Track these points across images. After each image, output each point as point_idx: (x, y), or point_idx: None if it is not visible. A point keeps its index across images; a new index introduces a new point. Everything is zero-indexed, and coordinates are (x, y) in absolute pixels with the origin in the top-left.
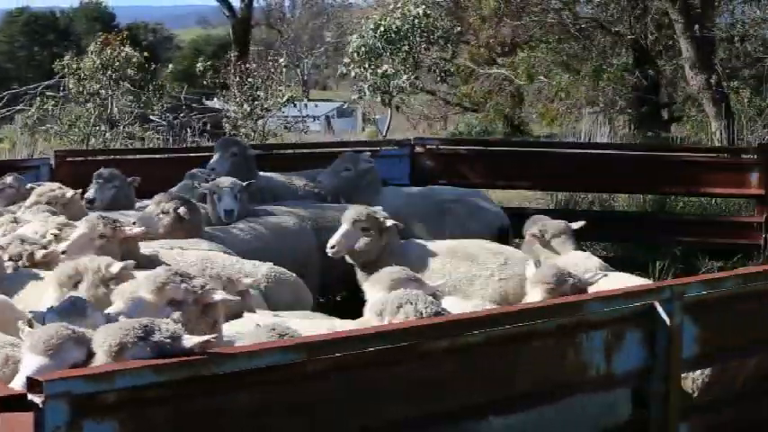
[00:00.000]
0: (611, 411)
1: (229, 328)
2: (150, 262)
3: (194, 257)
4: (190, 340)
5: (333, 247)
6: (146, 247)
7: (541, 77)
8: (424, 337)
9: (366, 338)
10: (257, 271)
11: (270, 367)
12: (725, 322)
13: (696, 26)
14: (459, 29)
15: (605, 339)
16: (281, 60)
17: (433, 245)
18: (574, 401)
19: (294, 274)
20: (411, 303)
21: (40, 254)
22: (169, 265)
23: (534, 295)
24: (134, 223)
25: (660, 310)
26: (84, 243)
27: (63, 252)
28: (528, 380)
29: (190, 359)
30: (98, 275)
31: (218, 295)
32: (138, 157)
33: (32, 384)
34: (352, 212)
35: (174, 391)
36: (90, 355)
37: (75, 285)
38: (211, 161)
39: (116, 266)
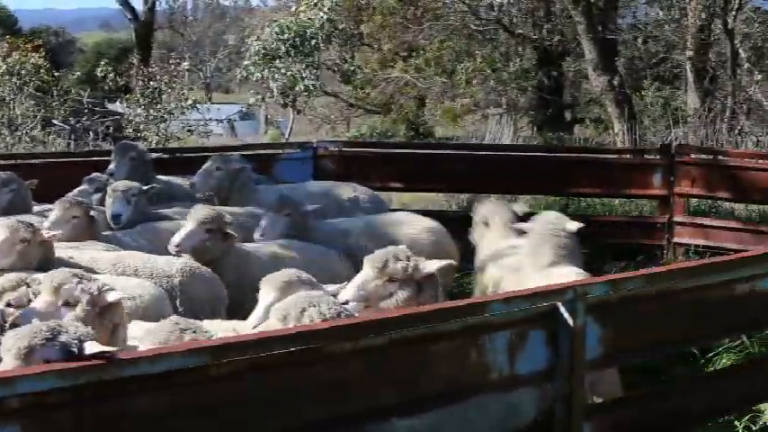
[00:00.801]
0: (516, 412)
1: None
2: (66, 265)
3: (110, 258)
4: (90, 348)
5: (177, 246)
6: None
7: (442, 78)
8: (329, 339)
9: (271, 341)
10: (172, 266)
11: (174, 371)
12: (628, 323)
13: (599, 28)
14: (359, 31)
15: (508, 340)
16: (184, 64)
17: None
18: (478, 402)
19: (209, 270)
20: (314, 306)
21: None
22: (80, 267)
23: (363, 274)
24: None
25: (563, 310)
26: (6, 248)
27: None
28: (433, 381)
29: (93, 363)
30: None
31: (112, 296)
32: (38, 161)
33: None
34: (200, 213)
35: (77, 396)
36: None
37: None
38: (110, 166)
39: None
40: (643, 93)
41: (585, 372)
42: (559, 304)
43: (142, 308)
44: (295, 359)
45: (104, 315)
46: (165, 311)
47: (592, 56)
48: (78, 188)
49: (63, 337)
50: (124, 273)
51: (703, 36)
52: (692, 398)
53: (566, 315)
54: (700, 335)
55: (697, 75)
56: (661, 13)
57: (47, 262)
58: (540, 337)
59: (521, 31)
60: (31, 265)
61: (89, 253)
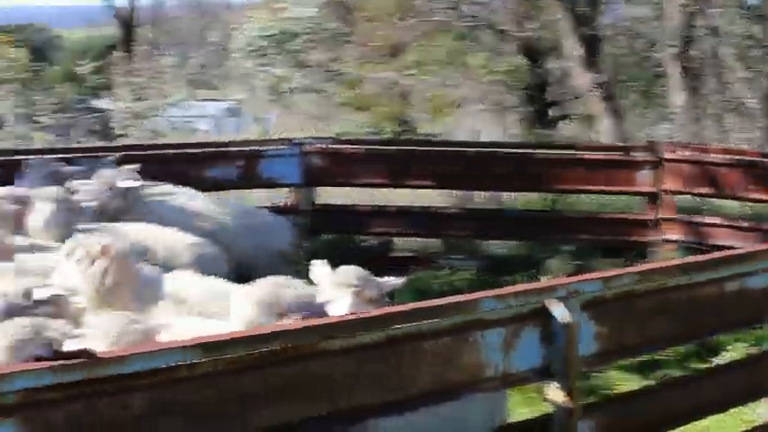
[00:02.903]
0: (509, 411)
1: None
2: None
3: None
4: (70, 345)
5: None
6: None
7: (428, 77)
8: (317, 336)
9: (261, 338)
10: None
11: (168, 368)
12: (622, 319)
13: (583, 25)
14: (346, 30)
15: (501, 338)
16: (168, 60)
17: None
18: (471, 401)
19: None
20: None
21: None
22: None
23: (342, 300)
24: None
25: (557, 307)
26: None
27: None
28: (424, 379)
29: (86, 360)
30: None
31: (38, 293)
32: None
33: None
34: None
35: (71, 392)
36: None
37: None
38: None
39: None
40: (627, 90)
41: (580, 369)
42: (552, 301)
43: None
44: (283, 357)
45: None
46: None
47: (576, 53)
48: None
49: (48, 333)
50: None
51: (688, 33)
52: (687, 396)
53: (560, 312)
54: (694, 331)
55: (681, 72)
56: (645, 10)
57: None
58: (534, 334)
59: (505, 28)
60: None
61: None
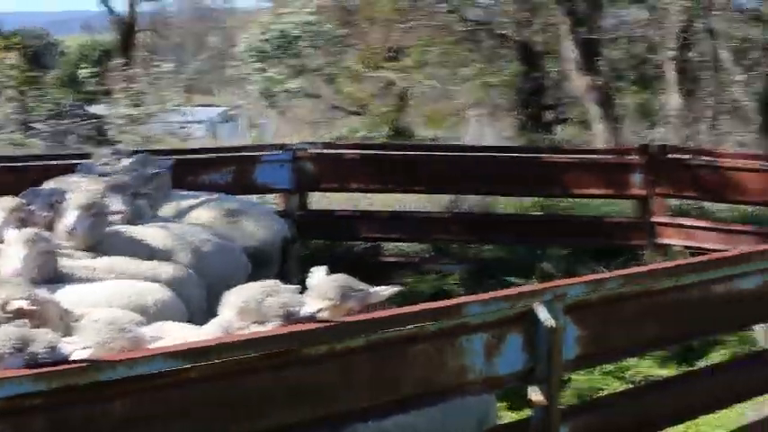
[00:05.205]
0: (492, 414)
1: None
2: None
3: None
4: (66, 347)
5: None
6: None
7: (427, 81)
8: (304, 341)
9: (248, 344)
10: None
11: (152, 374)
12: (607, 323)
13: (581, 28)
14: (346, 32)
15: (486, 342)
16: (166, 66)
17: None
18: (456, 405)
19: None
20: (271, 296)
21: None
22: None
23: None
24: None
25: (541, 311)
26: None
27: None
28: (409, 383)
29: (70, 367)
30: None
31: (11, 305)
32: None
33: None
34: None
35: (53, 400)
36: None
37: None
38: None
39: None
40: (624, 93)
41: (564, 373)
42: (538, 305)
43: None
44: (270, 362)
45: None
46: None
47: (574, 56)
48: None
49: (33, 347)
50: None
51: (685, 36)
52: (667, 399)
53: (544, 316)
54: (678, 335)
55: (678, 75)
56: (644, 13)
57: None
58: (518, 338)
59: (503, 32)
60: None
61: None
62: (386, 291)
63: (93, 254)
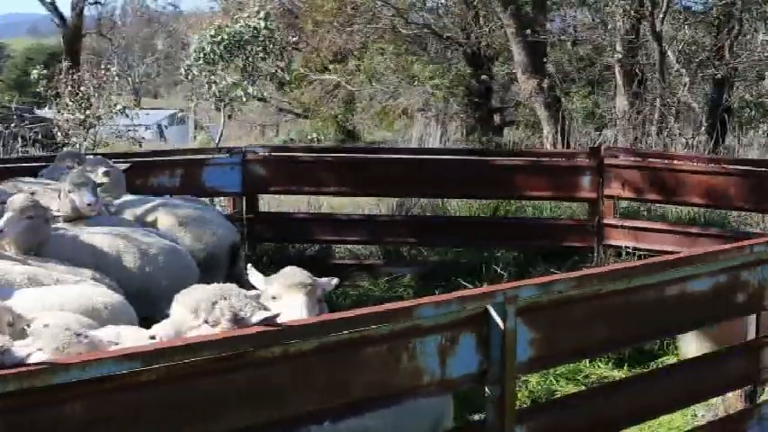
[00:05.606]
0: (447, 416)
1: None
2: None
3: None
4: (20, 351)
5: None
6: None
7: (375, 84)
8: (256, 344)
9: (199, 347)
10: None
11: (104, 377)
12: (559, 325)
13: (528, 31)
14: (294, 38)
15: (439, 344)
16: (113, 69)
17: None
18: (409, 407)
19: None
20: (225, 299)
21: None
22: None
23: (295, 302)
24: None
25: (493, 313)
26: None
27: None
28: (363, 386)
29: (25, 370)
30: None
31: None
32: None
33: None
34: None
35: (9, 402)
36: None
37: None
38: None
39: None
40: (572, 95)
41: (517, 375)
42: (489, 307)
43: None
44: (222, 365)
45: None
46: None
47: (521, 58)
48: None
49: None
50: None
51: (632, 38)
52: (622, 400)
53: (496, 318)
54: (631, 337)
55: (626, 77)
56: (590, 16)
57: None
58: (471, 340)
59: (450, 35)
60: None
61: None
62: (333, 280)
63: (32, 258)
